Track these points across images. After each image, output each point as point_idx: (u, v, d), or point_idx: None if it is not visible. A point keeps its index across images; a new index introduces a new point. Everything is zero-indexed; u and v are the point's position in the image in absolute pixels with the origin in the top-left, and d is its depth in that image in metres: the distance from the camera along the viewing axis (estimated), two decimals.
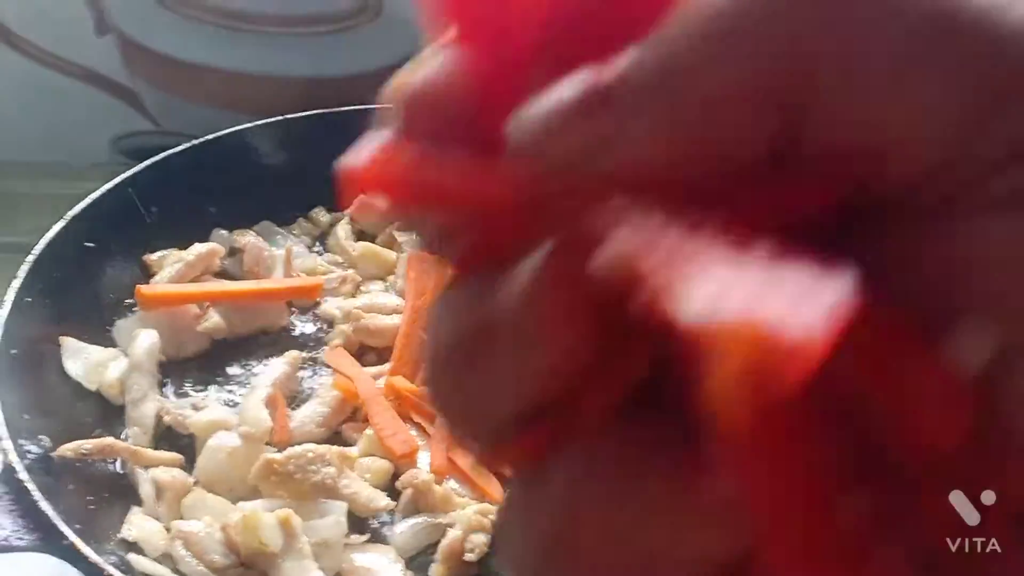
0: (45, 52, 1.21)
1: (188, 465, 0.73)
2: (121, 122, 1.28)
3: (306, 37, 1.21)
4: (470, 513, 0.69)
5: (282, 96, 1.23)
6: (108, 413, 0.76)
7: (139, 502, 0.69)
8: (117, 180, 0.86)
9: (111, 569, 0.57)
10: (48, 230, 0.80)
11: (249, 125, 0.95)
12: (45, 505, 0.59)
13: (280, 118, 0.96)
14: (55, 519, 0.58)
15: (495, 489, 0.71)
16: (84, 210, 0.82)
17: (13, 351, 0.70)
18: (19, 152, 1.28)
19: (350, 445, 0.74)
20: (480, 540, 0.67)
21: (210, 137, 0.92)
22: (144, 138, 1.29)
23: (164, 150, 1.24)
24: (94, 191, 0.86)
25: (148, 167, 0.88)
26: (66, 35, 1.21)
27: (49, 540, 0.59)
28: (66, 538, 0.58)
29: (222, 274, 0.89)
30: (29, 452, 0.64)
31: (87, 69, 1.24)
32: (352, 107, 0.99)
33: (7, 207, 1.16)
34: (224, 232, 0.93)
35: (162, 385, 0.79)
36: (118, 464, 0.72)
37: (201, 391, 0.80)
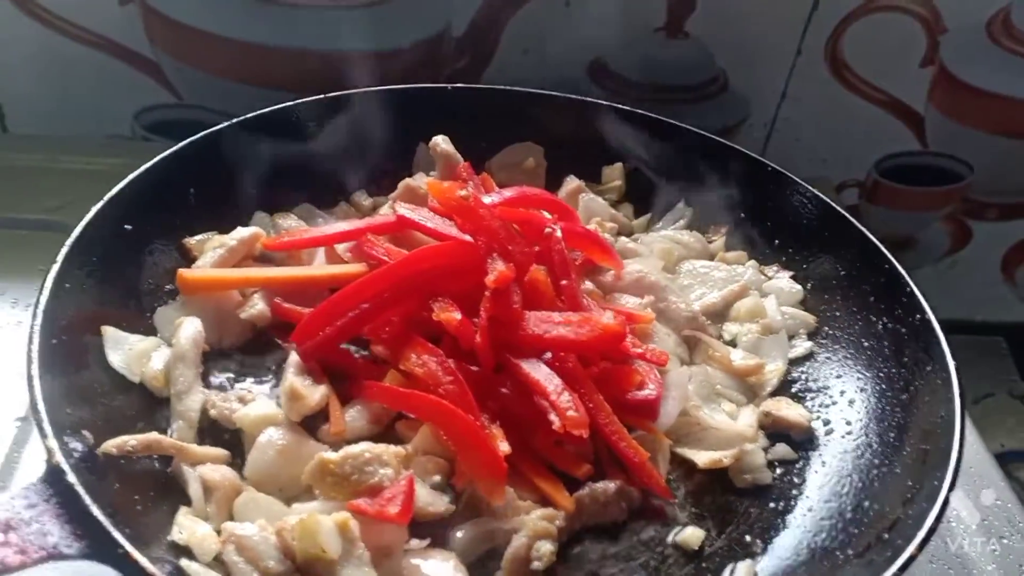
0: (63, 20, 1.15)
1: (234, 460, 0.69)
2: (142, 95, 1.23)
3: (333, 11, 1.15)
4: (535, 519, 0.65)
5: (307, 71, 1.18)
6: (150, 405, 0.73)
7: (187, 501, 0.65)
8: (156, 159, 0.80)
9: None
10: (72, 207, 0.74)
11: (292, 103, 0.90)
12: (97, 511, 0.55)
13: (324, 96, 0.91)
14: (108, 527, 0.55)
15: (558, 493, 0.68)
16: (122, 190, 0.77)
17: (54, 340, 0.66)
18: (37, 125, 1.23)
19: (403, 442, 0.71)
20: (547, 548, 0.64)
21: (251, 115, 0.87)
22: (166, 111, 1.24)
23: (186, 124, 1.19)
24: (118, 167, 0.80)
25: (187, 145, 0.83)
26: (86, 2, 1.14)
27: (100, 547, 0.55)
28: (119, 546, 0.54)
29: (263, 259, 0.85)
30: (74, 450, 0.61)
31: (107, 39, 1.18)
32: (397, 87, 0.95)
33: (27, 182, 1.11)
34: (265, 215, 0.89)
35: (205, 376, 0.75)
36: (158, 460, 0.68)
37: (243, 382, 0.76)
